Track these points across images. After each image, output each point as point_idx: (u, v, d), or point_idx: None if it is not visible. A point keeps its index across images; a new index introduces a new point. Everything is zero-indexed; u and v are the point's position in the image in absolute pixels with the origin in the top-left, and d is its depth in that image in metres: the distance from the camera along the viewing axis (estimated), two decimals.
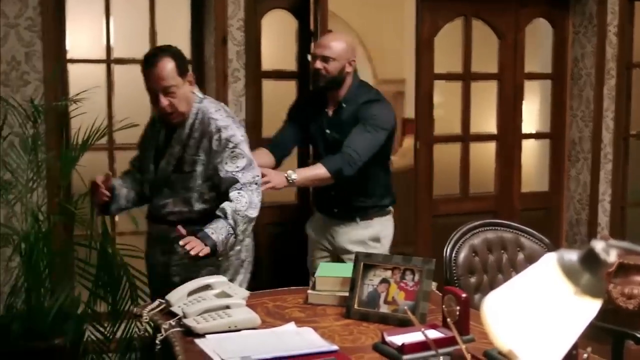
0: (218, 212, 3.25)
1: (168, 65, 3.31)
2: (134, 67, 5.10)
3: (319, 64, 3.94)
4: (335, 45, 3.95)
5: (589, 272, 1.30)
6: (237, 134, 3.39)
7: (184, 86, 3.36)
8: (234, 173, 3.32)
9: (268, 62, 5.33)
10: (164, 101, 3.31)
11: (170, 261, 3.49)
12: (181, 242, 3.10)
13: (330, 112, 4.06)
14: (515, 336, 1.37)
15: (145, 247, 3.74)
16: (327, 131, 4.06)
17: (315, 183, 3.96)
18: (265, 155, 4.03)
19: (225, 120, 3.40)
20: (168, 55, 3.33)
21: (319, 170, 3.82)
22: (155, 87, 3.31)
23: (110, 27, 5.01)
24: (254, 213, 3.33)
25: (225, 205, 3.26)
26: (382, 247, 4.12)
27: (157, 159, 3.49)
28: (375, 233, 4.13)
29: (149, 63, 3.33)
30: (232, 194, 3.29)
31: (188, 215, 3.41)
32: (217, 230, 3.19)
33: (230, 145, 3.34)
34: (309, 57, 4.08)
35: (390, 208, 4.25)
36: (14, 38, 4.61)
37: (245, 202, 3.29)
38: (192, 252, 3.06)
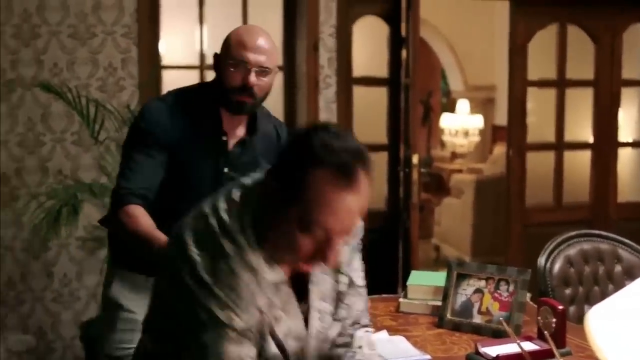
0: None
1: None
2: None
3: (254, 78, 2.61)
4: (273, 49, 2.70)
5: None
6: None
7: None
8: None
9: (359, 68, 5.32)
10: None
11: None
12: None
13: (231, 144, 2.74)
14: (620, 351, 1.33)
15: None
16: (226, 170, 2.72)
17: None
18: (146, 215, 2.56)
19: None
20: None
21: None
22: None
23: (204, 33, 5.09)
24: None
25: None
26: None
27: None
28: None
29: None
30: None
31: None
32: None
33: None
34: (230, 65, 2.63)
35: None
36: (111, 45, 4.73)
37: None
38: None
